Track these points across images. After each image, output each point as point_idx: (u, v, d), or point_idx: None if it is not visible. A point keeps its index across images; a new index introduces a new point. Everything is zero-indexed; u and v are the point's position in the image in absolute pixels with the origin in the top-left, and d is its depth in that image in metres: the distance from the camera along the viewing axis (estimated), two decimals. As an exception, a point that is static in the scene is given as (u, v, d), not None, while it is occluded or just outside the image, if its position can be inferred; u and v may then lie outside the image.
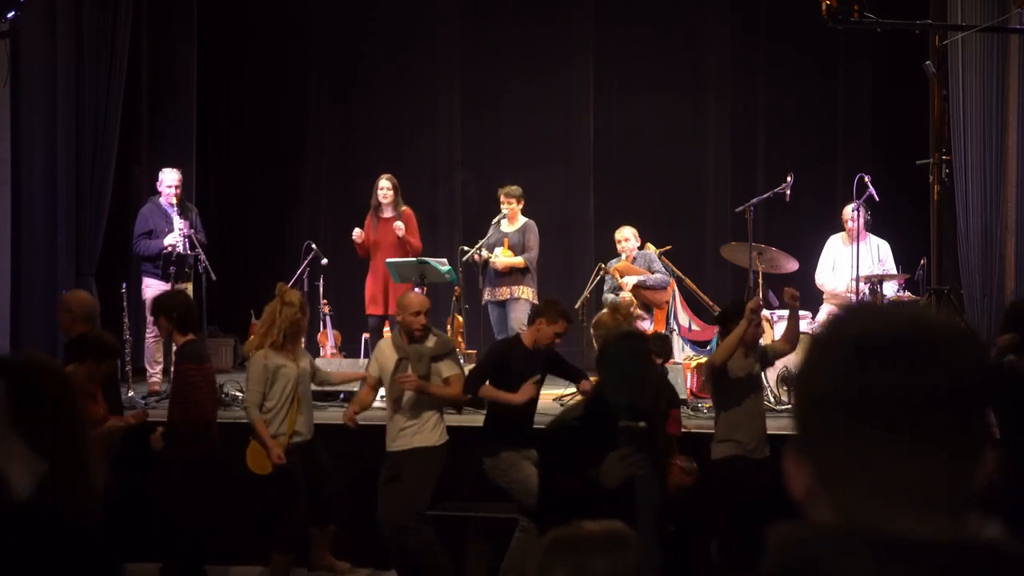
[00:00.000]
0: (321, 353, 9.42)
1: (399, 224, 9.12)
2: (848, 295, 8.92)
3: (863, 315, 1.21)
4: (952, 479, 1.13)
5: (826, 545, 1.13)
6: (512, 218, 9.30)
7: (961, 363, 1.14)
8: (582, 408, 4.59)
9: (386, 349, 6.55)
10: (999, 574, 1.11)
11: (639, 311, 9.06)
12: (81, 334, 6.15)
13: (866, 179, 8.76)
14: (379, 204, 9.37)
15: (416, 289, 8.85)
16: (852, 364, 1.15)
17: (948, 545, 1.11)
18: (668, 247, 9.42)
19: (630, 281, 9.09)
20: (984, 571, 1.10)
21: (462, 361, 7.01)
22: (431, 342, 6.47)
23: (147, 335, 9.10)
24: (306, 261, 9.58)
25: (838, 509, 1.15)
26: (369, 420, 6.92)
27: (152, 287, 9.01)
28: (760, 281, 8.91)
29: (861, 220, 8.89)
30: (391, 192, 9.33)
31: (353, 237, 9.24)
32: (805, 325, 8.87)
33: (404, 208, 9.39)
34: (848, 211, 9.10)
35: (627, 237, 9.30)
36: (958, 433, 1.14)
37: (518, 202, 9.32)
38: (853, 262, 8.64)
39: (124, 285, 9.09)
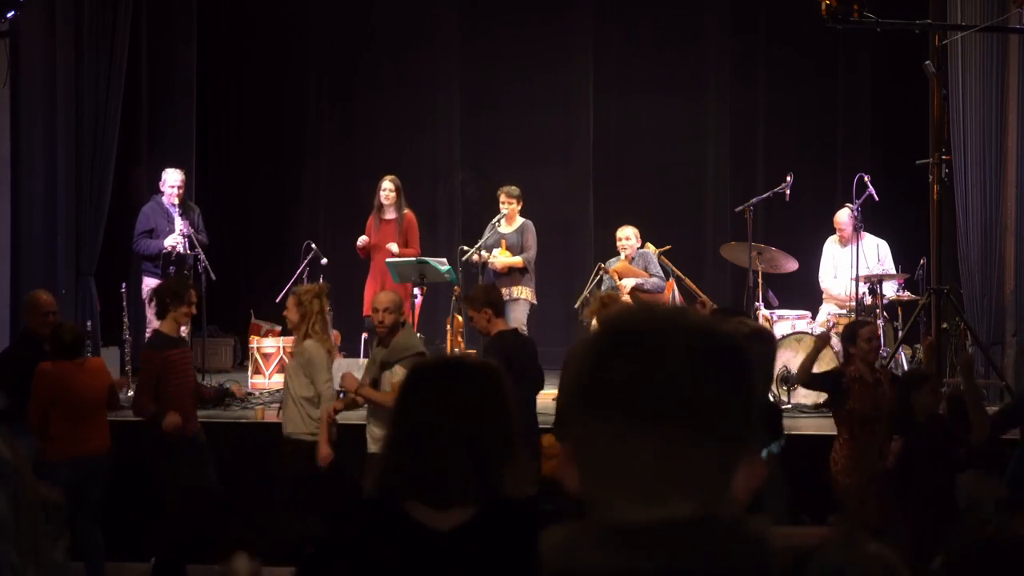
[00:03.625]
0: (321, 353, 9.41)
1: (393, 246, 9.15)
2: (848, 296, 8.92)
3: (625, 312, 1.24)
4: (687, 467, 1.15)
5: (576, 541, 1.17)
6: (511, 218, 9.31)
7: (682, 354, 1.16)
8: None
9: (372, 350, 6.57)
10: (707, 547, 1.13)
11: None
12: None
13: (866, 179, 8.77)
14: (381, 205, 9.38)
15: (415, 289, 8.87)
16: (600, 355, 1.18)
17: (674, 526, 1.14)
18: (668, 247, 9.42)
19: (628, 283, 9.10)
20: (693, 545, 1.13)
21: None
22: (394, 343, 6.40)
23: (146, 335, 9.10)
24: (306, 261, 9.58)
25: (594, 502, 1.18)
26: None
27: (151, 287, 9.01)
28: (760, 281, 8.91)
29: (852, 225, 8.91)
30: (393, 193, 9.34)
31: (358, 244, 9.28)
32: (804, 325, 8.89)
33: (407, 212, 9.40)
34: (840, 218, 9.12)
35: (628, 236, 9.31)
36: (675, 424, 1.14)
37: (517, 202, 9.34)
38: (852, 263, 8.65)
39: (124, 285, 9.10)
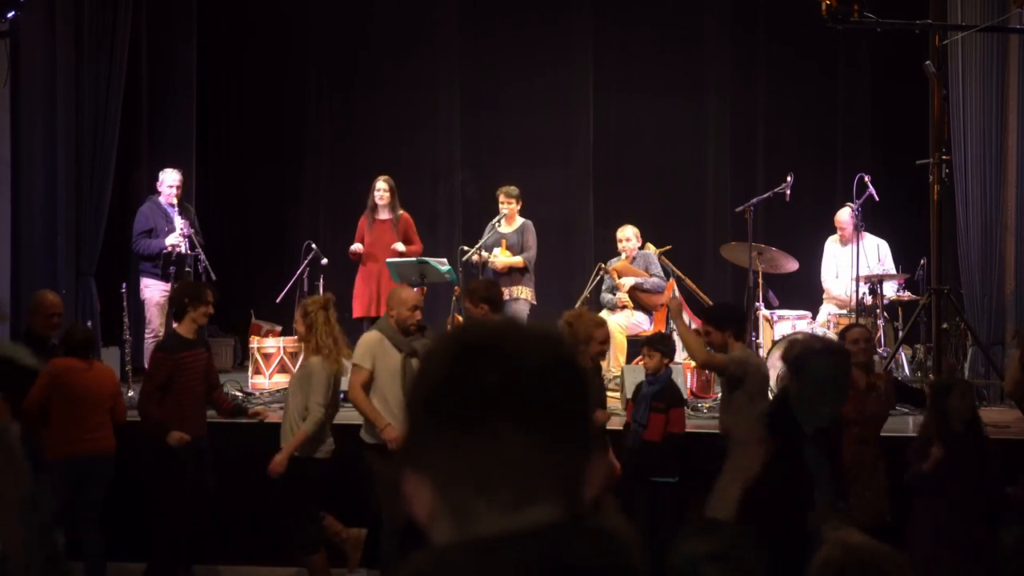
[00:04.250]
0: (321, 353, 9.41)
1: (398, 246, 9.15)
2: (848, 296, 8.92)
3: (470, 324, 1.26)
4: (545, 471, 1.15)
5: (440, 565, 1.14)
6: (511, 218, 9.31)
7: (539, 358, 1.18)
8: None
9: (380, 349, 6.38)
10: (567, 550, 1.13)
11: (635, 311, 9.08)
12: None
13: (866, 179, 8.77)
14: (375, 206, 9.37)
15: (414, 289, 8.86)
16: (453, 362, 1.19)
17: (517, 535, 1.13)
18: (668, 247, 9.43)
19: (627, 282, 9.10)
20: (552, 550, 1.13)
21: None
22: (423, 341, 6.41)
23: (146, 335, 9.11)
24: (306, 261, 9.57)
25: (452, 517, 1.16)
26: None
27: (151, 287, 9.01)
28: (760, 281, 8.91)
29: (852, 224, 8.91)
30: (387, 194, 9.34)
31: (353, 251, 9.26)
32: (804, 325, 8.89)
33: (402, 213, 9.39)
34: (841, 217, 9.12)
35: (628, 236, 9.32)
36: (541, 426, 1.15)
37: (517, 202, 9.34)
38: (852, 263, 8.65)
39: (124, 285, 9.09)
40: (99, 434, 6.52)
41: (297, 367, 6.55)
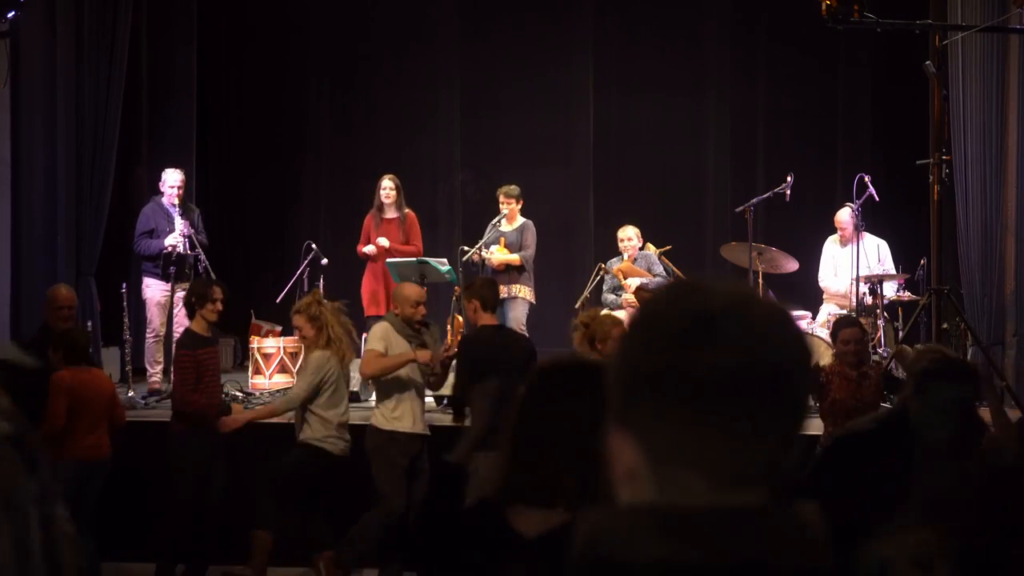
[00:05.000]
0: (321, 353, 9.42)
1: (382, 240, 9.18)
2: (848, 296, 8.92)
3: (699, 292, 1.18)
4: (764, 456, 1.14)
5: (624, 525, 1.13)
6: (511, 218, 9.31)
7: (778, 344, 1.15)
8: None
9: (392, 337, 6.50)
10: (767, 536, 1.12)
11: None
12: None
13: (866, 179, 8.77)
14: (382, 204, 9.38)
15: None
16: (684, 337, 1.13)
17: (723, 511, 1.11)
18: (668, 247, 9.43)
19: (633, 283, 9.10)
20: (753, 534, 1.11)
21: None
22: (430, 335, 6.64)
23: (147, 335, 9.10)
24: (306, 261, 9.58)
25: (659, 485, 1.14)
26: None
27: (152, 287, 9.01)
28: (760, 281, 8.91)
29: (853, 224, 8.91)
30: (394, 192, 9.34)
31: (367, 252, 9.27)
32: (805, 325, 8.89)
33: (408, 211, 9.40)
34: (841, 217, 9.12)
35: (630, 236, 9.32)
36: (774, 414, 1.13)
37: (517, 202, 9.33)
38: (852, 263, 8.65)
39: (124, 285, 9.09)
40: (101, 440, 6.54)
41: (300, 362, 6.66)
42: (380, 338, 6.50)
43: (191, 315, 6.82)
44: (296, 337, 6.67)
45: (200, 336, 6.73)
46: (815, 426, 7.33)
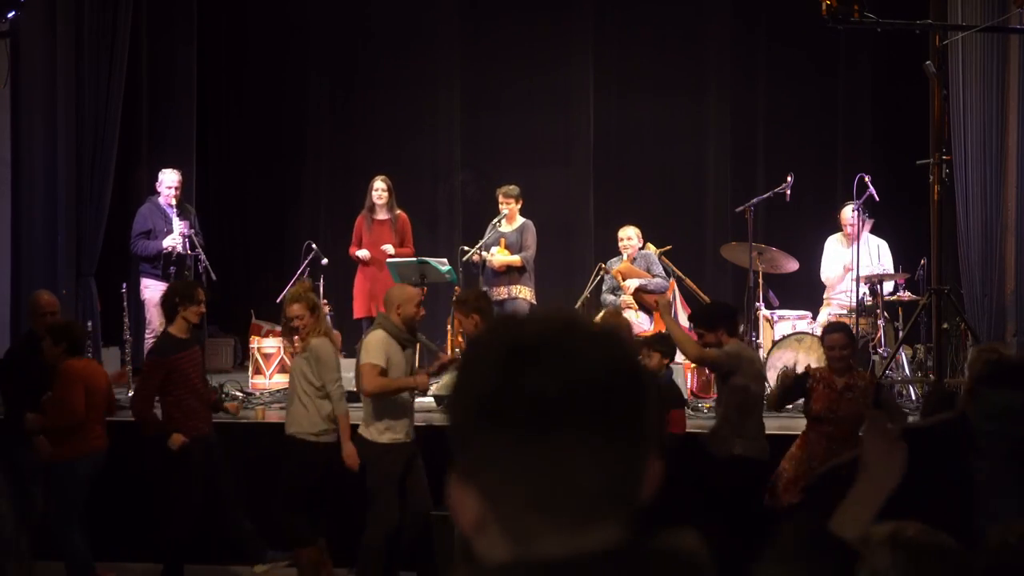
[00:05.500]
0: (321, 353, 9.41)
1: (388, 248, 9.18)
2: (848, 296, 8.92)
3: (514, 322, 1.14)
4: (608, 484, 1.07)
5: None
6: (511, 218, 9.30)
7: (603, 363, 1.09)
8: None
9: (391, 347, 6.39)
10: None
11: (638, 312, 9.08)
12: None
13: (866, 179, 8.76)
14: (373, 205, 9.37)
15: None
16: (505, 368, 1.08)
17: (578, 561, 1.05)
18: (668, 247, 9.43)
19: (632, 284, 9.10)
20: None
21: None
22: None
23: (146, 335, 9.10)
24: (306, 261, 9.57)
25: (506, 533, 1.08)
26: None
27: (151, 287, 9.01)
28: (760, 281, 8.91)
29: (859, 221, 8.90)
30: (386, 193, 9.34)
31: (360, 256, 9.26)
32: (805, 325, 8.88)
33: (399, 212, 9.40)
34: (846, 213, 9.11)
35: (630, 236, 9.32)
36: (609, 436, 1.07)
37: (516, 202, 9.32)
38: (853, 262, 8.64)
39: (124, 285, 9.10)
40: (103, 431, 6.59)
41: (297, 353, 6.54)
42: (380, 350, 6.34)
43: (171, 317, 6.61)
44: (298, 322, 6.53)
45: (179, 339, 6.56)
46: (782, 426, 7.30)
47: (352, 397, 6.69)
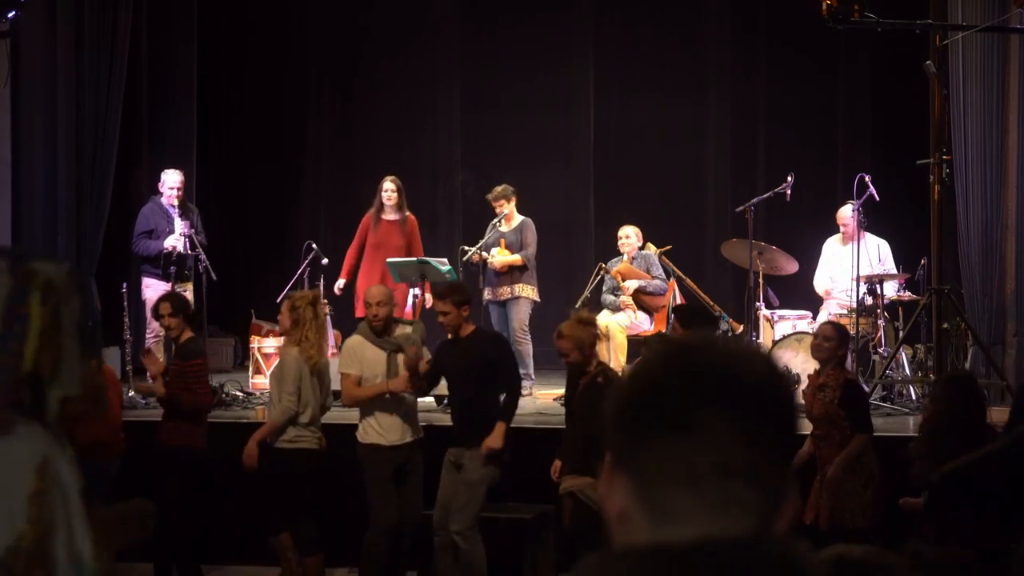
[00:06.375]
0: (321, 353, 9.42)
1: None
2: (848, 296, 8.92)
3: (685, 341, 1.22)
4: (754, 470, 1.14)
5: (620, 568, 1.12)
6: (509, 218, 9.29)
7: (753, 367, 1.17)
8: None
9: (366, 352, 6.40)
10: (759, 569, 1.11)
11: (638, 311, 9.08)
12: None
13: (866, 179, 8.75)
14: (383, 206, 9.36)
15: (416, 289, 8.86)
16: (667, 363, 1.17)
17: (714, 545, 1.11)
18: (668, 247, 9.42)
19: (631, 285, 9.10)
20: (744, 566, 1.10)
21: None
22: (398, 331, 6.52)
23: (147, 335, 9.10)
24: (306, 261, 9.57)
25: (650, 515, 1.14)
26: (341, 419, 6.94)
27: (152, 287, 9.01)
28: (760, 281, 8.91)
29: (855, 221, 8.91)
30: (396, 195, 9.32)
31: (339, 289, 9.31)
32: (805, 325, 8.88)
33: (409, 215, 9.38)
34: (843, 213, 9.12)
35: (628, 235, 9.32)
36: (761, 430, 1.14)
37: (509, 201, 9.29)
38: (852, 263, 8.64)
39: (124, 285, 9.09)
40: (121, 432, 6.60)
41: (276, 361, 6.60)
42: (352, 359, 6.37)
43: (193, 325, 6.72)
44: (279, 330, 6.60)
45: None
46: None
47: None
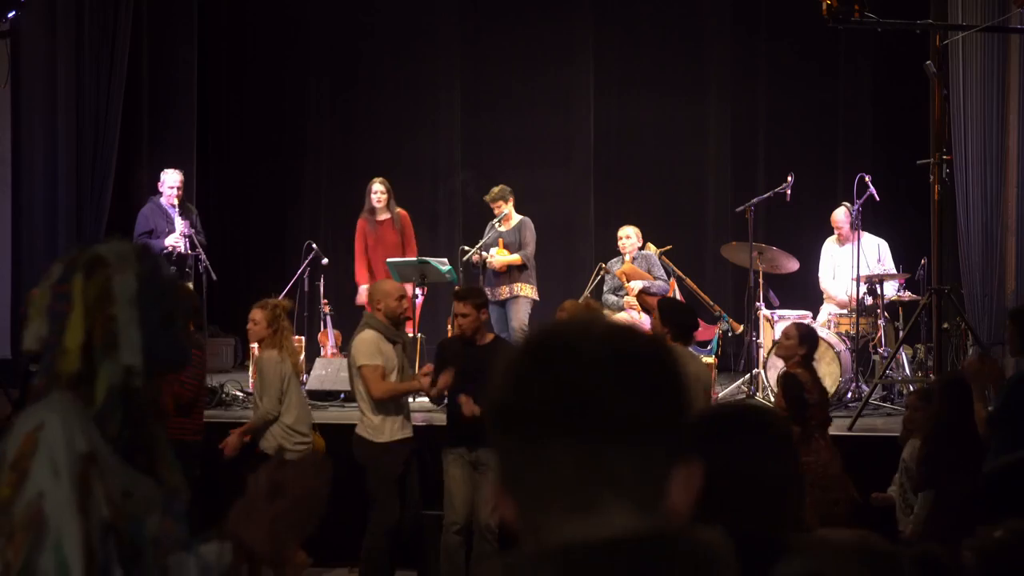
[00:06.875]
0: (322, 352, 9.43)
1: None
2: (848, 296, 8.92)
3: (541, 331, 1.22)
4: (633, 476, 1.12)
5: (516, 572, 1.13)
6: (507, 219, 9.28)
7: (595, 362, 1.14)
8: None
9: (383, 346, 6.39)
10: (667, 568, 1.10)
11: (641, 313, 9.08)
12: None
13: (866, 179, 8.76)
14: (373, 208, 9.36)
15: (417, 289, 8.86)
16: (509, 379, 1.17)
17: (619, 542, 1.10)
18: (668, 247, 9.42)
19: (636, 286, 9.10)
20: (653, 565, 1.10)
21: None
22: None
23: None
24: (306, 261, 9.58)
25: (530, 526, 1.15)
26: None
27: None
28: (760, 281, 8.91)
29: (849, 223, 8.92)
30: (385, 196, 9.34)
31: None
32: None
33: (400, 211, 9.40)
34: (837, 216, 9.13)
35: (628, 235, 9.32)
36: (623, 430, 1.13)
37: (505, 202, 9.29)
38: (852, 263, 8.64)
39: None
40: None
41: (253, 363, 6.60)
42: (375, 350, 6.34)
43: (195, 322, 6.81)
44: (252, 327, 6.58)
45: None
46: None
47: (348, 397, 6.69)
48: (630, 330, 1.19)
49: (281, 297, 9.35)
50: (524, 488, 1.15)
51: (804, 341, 6.28)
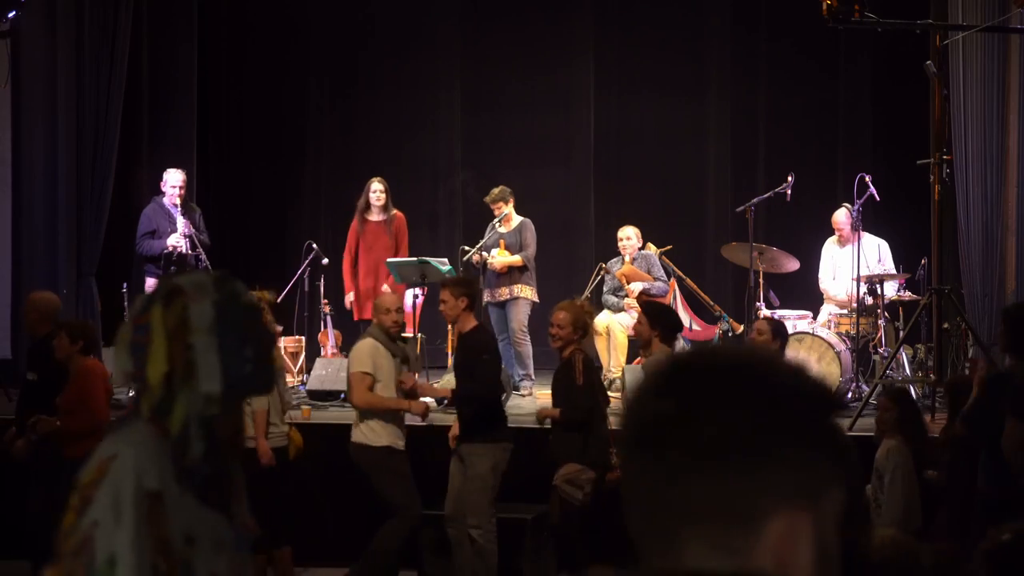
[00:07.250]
0: (322, 352, 9.43)
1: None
2: (848, 296, 8.92)
3: (684, 353, 1.17)
4: (703, 506, 1.05)
5: None
6: (507, 220, 9.28)
7: (705, 392, 1.08)
8: None
9: (379, 356, 6.41)
10: None
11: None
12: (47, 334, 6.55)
13: (867, 179, 8.76)
14: (369, 207, 9.35)
15: (417, 289, 8.86)
16: (637, 394, 1.12)
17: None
18: (668, 247, 9.42)
19: (636, 288, 9.10)
20: None
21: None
22: (409, 347, 6.71)
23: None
24: (306, 261, 9.58)
25: (658, 550, 1.08)
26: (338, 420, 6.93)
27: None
28: (760, 281, 8.91)
29: (850, 224, 8.92)
30: (384, 195, 9.34)
31: (350, 302, 9.32)
32: (805, 325, 8.88)
33: (397, 213, 9.39)
34: (838, 217, 9.13)
35: (628, 236, 9.32)
36: (701, 454, 1.06)
37: (506, 203, 9.29)
38: (852, 263, 8.65)
39: (125, 285, 9.09)
40: None
41: None
42: (369, 360, 6.36)
43: None
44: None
45: None
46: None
47: (348, 397, 6.70)
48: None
49: (280, 298, 9.41)
50: (629, 505, 1.11)
51: (777, 334, 6.35)
